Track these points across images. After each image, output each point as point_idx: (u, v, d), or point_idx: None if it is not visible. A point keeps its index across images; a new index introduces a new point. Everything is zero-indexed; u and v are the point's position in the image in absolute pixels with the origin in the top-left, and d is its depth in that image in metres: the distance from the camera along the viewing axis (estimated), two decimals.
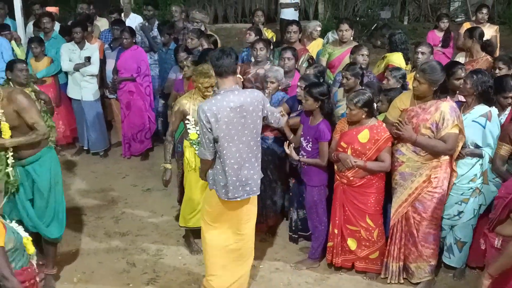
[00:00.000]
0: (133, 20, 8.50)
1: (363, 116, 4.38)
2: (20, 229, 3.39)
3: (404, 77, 5.23)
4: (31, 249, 3.40)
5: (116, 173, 7.02)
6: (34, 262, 3.47)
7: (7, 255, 3.11)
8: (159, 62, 7.55)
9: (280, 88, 5.31)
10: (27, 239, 3.37)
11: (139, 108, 7.25)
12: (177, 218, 5.52)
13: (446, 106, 4.21)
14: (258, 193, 4.18)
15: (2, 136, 4.24)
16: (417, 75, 4.22)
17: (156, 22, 8.00)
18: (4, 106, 4.21)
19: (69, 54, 7.04)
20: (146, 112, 7.29)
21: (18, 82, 4.98)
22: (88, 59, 7.02)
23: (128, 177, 6.93)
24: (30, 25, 8.39)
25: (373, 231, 4.59)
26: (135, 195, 6.42)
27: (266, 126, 5.09)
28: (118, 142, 7.77)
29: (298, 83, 5.07)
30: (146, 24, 7.97)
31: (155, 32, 7.79)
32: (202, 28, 7.83)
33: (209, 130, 3.85)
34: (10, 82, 5.01)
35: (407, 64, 6.04)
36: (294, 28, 6.60)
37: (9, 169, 4.36)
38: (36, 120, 4.26)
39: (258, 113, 3.98)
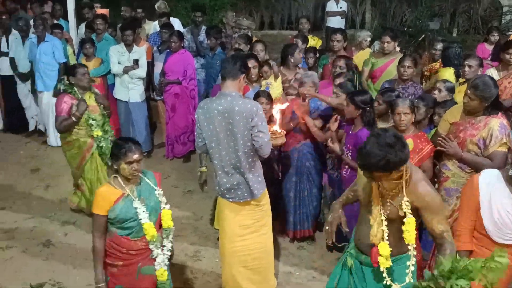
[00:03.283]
0: (173, 23, 8.62)
1: (412, 121, 4.33)
2: (141, 212, 3.51)
3: (452, 90, 5.12)
4: (149, 234, 3.53)
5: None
6: (153, 246, 3.58)
7: (104, 223, 3.48)
8: (205, 67, 7.66)
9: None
10: (148, 224, 3.51)
11: (184, 111, 7.36)
12: (213, 220, 5.59)
13: (496, 122, 4.08)
14: (252, 198, 4.17)
15: None
16: (468, 91, 4.09)
17: (204, 27, 8.12)
18: None
19: (118, 56, 7.22)
20: (190, 115, 7.38)
21: (81, 86, 5.32)
22: (136, 62, 7.20)
23: (170, 178, 7.04)
24: (82, 26, 8.66)
25: None
26: (176, 196, 6.51)
27: (304, 133, 5.13)
28: (162, 143, 7.91)
29: (334, 90, 5.05)
30: (194, 29, 8.10)
31: (202, 36, 7.91)
32: (249, 34, 7.93)
33: (198, 126, 4.12)
34: (74, 87, 5.33)
35: (457, 80, 5.75)
36: (338, 37, 6.58)
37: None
38: None
39: (246, 125, 3.93)
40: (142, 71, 7.28)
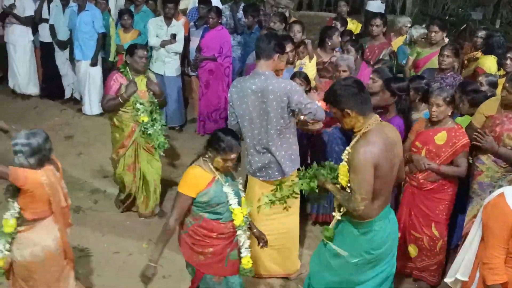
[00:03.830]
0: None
1: (449, 114, 4.20)
2: (231, 197, 3.45)
3: (494, 85, 4.95)
4: (238, 220, 3.47)
5: (190, 148, 7.19)
6: (241, 231, 3.52)
7: (189, 205, 3.37)
8: (242, 45, 7.63)
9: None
10: (233, 209, 3.45)
11: (217, 88, 7.37)
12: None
13: None
14: (282, 177, 4.18)
15: None
16: (507, 84, 4.00)
17: (243, 4, 8.08)
18: None
19: (156, 29, 7.24)
20: (223, 93, 7.39)
21: (135, 68, 4.98)
22: (174, 36, 7.21)
23: None
24: None
25: (437, 241, 4.38)
26: None
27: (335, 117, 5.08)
28: (194, 119, 7.96)
29: (371, 76, 4.96)
30: (233, 5, 8.06)
31: (240, 14, 7.87)
32: (287, 14, 7.85)
33: (231, 104, 4.14)
34: (128, 67, 5.02)
35: (498, 69, 5.66)
36: (377, 21, 6.46)
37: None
38: (355, 189, 3.50)
39: (280, 103, 3.95)
40: (179, 46, 7.29)
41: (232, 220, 3.48)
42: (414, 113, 4.70)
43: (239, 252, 3.58)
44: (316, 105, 4.08)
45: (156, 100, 5.10)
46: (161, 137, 5.15)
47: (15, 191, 3.44)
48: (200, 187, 3.35)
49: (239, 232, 3.52)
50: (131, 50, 4.98)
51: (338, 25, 6.78)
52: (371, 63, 5.89)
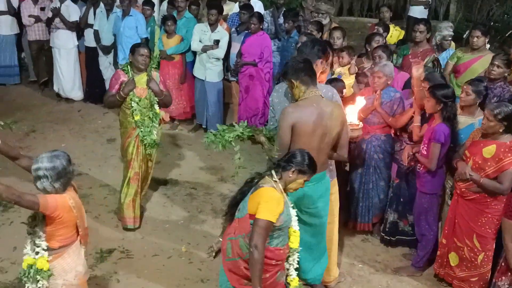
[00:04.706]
0: (253, 5, 8.58)
1: (500, 130, 4.05)
2: (294, 219, 3.44)
3: None
4: (295, 242, 3.46)
5: (228, 153, 7.18)
6: (296, 254, 3.51)
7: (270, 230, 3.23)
8: (280, 50, 7.63)
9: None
10: (294, 231, 3.43)
11: (257, 93, 7.37)
12: None
13: None
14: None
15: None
16: None
17: (283, 10, 8.07)
18: None
19: (200, 34, 7.30)
20: (263, 98, 7.40)
21: (136, 66, 5.06)
22: (216, 42, 7.25)
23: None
24: (165, 3, 8.82)
25: (478, 253, 4.27)
26: (243, 177, 6.54)
27: (374, 124, 5.02)
28: (232, 124, 7.97)
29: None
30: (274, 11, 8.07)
31: (281, 19, 7.86)
32: (327, 20, 7.81)
33: (272, 109, 4.14)
34: (129, 65, 5.12)
35: None
36: (421, 27, 6.33)
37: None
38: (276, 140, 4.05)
39: None
40: (220, 52, 7.31)
41: (286, 243, 3.43)
42: (467, 116, 4.58)
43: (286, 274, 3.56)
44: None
45: (156, 98, 5.16)
46: (152, 136, 5.16)
47: (41, 220, 3.21)
48: (280, 211, 3.25)
49: (295, 255, 3.49)
50: (133, 48, 5.10)
51: (381, 30, 6.69)
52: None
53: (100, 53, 8.30)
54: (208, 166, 6.80)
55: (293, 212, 3.46)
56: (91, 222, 5.33)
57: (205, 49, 7.28)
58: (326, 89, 3.97)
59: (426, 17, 9.95)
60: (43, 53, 8.90)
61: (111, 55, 8.15)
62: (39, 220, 3.21)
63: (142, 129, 5.11)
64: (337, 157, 4.03)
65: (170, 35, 7.52)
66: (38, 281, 3.21)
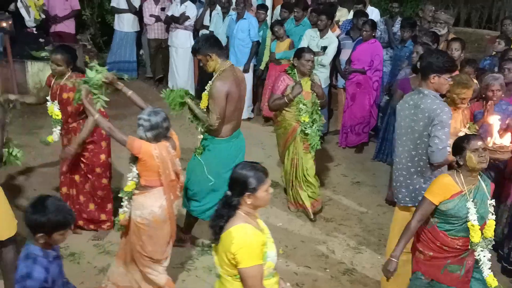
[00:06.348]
0: (370, 13, 8.47)
1: None
2: (473, 214, 3.43)
3: None
4: (476, 237, 3.42)
5: (330, 160, 7.19)
6: (480, 249, 3.46)
7: (432, 210, 3.48)
8: (393, 59, 7.46)
9: None
10: (473, 225, 3.41)
11: (363, 102, 7.29)
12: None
13: None
14: (412, 205, 3.90)
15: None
16: None
17: (399, 18, 7.89)
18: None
19: (309, 39, 7.33)
20: (369, 106, 7.30)
21: (301, 71, 5.33)
22: (324, 49, 7.23)
23: (340, 166, 7.06)
24: (278, 7, 8.95)
25: None
26: (344, 185, 6.52)
27: None
28: (336, 130, 7.94)
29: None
30: (389, 20, 7.92)
31: (396, 28, 7.70)
32: (445, 30, 7.51)
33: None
34: (295, 69, 5.36)
35: None
36: None
37: None
38: (212, 110, 4.33)
39: (426, 125, 3.76)
40: (326, 59, 7.19)
41: (464, 237, 3.44)
42: None
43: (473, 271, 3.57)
44: (445, 147, 3.72)
45: (318, 101, 5.38)
46: (317, 137, 5.39)
47: (134, 159, 3.83)
48: (444, 196, 3.42)
49: (478, 249, 3.45)
50: (299, 53, 5.33)
51: (502, 43, 6.34)
52: None
53: None
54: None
55: (472, 205, 3.39)
56: None
57: None
58: (436, 106, 3.74)
59: None
60: (160, 51, 9.41)
61: None
62: (133, 158, 3.85)
63: (309, 131, 5.34)
64: None
65: (280, 38, 7.62)
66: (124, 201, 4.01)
